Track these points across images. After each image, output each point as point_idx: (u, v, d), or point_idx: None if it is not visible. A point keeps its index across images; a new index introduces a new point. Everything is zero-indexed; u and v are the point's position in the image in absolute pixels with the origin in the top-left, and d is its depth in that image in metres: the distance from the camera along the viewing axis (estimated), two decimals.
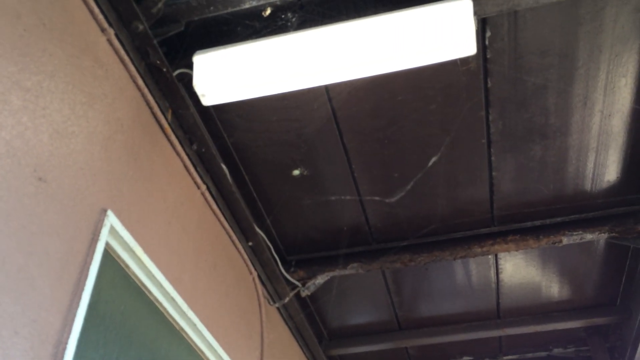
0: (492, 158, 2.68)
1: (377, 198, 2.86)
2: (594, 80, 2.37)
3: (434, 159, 2.66)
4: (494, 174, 2.75)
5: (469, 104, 2.45)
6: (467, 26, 1.93)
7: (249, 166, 2.71)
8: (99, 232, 1.63)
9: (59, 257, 1.47)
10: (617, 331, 3.67)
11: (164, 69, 2.09)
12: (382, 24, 1.97)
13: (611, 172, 2.74)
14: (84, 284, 1.53)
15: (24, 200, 1.38)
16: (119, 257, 1.76)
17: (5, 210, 1.32)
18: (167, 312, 2.01)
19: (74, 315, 1.47)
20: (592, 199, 2.85)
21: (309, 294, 3.18)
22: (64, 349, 1.41)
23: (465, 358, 4.10)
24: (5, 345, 1.25)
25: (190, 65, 2.12)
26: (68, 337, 1.43)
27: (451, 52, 1.98)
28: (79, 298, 1.50)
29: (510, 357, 4.06)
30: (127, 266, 1.80)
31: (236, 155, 2.64)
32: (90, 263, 1.57)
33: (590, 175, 2.75)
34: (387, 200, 2.86)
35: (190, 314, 2.10)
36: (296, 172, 2.63)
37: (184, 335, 2.13)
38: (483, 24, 2.20)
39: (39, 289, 1.38)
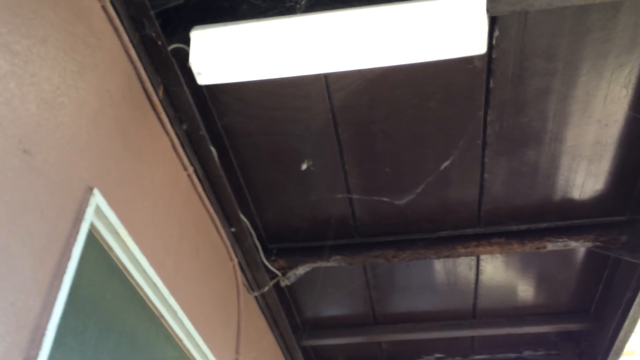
0: (486, 160, 2.64)
1: (366, 193, 2.80)
2: (596, 89, 2.35)
3: (428, 157, 2.61)
4: (485, 175, 2.72)
5: (469, 103, 2.41)
6: (480, 24, 1.87)
7: (238, 151, 2.61)
8: (84, 212, 1.53)
9: (42, 237, 1.37)
10: (589, 338, 3.72)
11: (159, 42, 1.98)
12: (392, 14, 1.89)
13: (600, 182, 2.73)
14: (65, 266, 1.43)
15: (7, 174, 1.28)
16: (102, 238, 1.66)
17: None
18: (148, 298, 1.92)
19: (55, 299, 1.37)
20: (580, 207, 2.85)
21: (288, 284, 3.12)
22: (43, 335, 1.31)
23: (437, 356, 4.11)
24: None
25: (187, 41, 2.00)
26: (47, 323, 1.33)
27: (460, 50, 1.92)
28: (60, 281, 1.41)
29: (481, 356, 4.09)
30: (111, 249, 1.70)
31: (226, 138, 2.55)
32: (73, 244, 1.47)
33: (581, 184, 2.74)
34: (375, 197, 2.81)
35: (172, 301, 2.02)
36: (304, 167, 2.55)
37: (163, 322, 2.04)
38: (492, 23, 2.15)
39: (20, 270, 1.28)
